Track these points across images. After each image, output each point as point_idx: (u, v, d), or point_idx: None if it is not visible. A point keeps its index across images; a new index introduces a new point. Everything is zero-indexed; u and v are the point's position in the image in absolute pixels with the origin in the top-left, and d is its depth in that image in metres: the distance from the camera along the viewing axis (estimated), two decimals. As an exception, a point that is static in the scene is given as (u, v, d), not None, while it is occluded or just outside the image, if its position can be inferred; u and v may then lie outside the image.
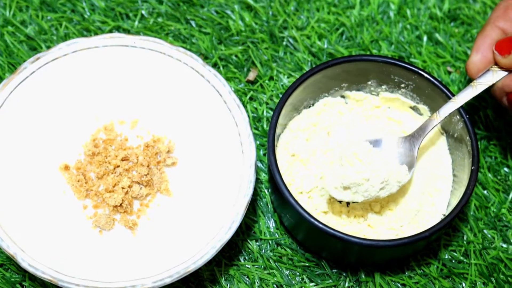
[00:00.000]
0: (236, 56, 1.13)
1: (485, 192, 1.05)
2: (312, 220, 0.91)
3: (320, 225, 0.91)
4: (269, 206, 1.03)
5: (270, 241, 1.01)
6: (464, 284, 1.00)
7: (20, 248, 0.90)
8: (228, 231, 0.92)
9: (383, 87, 1.05)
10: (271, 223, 1.02)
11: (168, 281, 0.90)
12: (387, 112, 1.07)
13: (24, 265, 0.89)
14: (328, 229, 0.91)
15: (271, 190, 1.02)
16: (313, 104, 1.04)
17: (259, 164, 1.06)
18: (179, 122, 1.04)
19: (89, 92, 1.04)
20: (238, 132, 0.97)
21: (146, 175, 1.00)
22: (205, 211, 0.97)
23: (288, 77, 1.11)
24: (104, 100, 1.05)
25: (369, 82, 1.04)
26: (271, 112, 1.08)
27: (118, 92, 1.05)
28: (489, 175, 1.05)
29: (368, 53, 1.14)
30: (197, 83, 1.01)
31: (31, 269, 0.89)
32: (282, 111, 0.97)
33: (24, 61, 1.10)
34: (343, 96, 1.06)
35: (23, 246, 0.90)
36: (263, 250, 1.01)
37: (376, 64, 1.01)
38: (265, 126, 1.07)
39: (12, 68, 1.10)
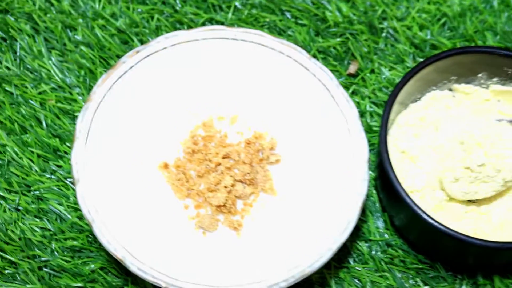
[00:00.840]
0: (334, 48, 1.08)
1: None
2: (430, 220, 0.86)
3: (440, 226, 0.86)
4: (377, 206, 0.98)
5: (380, 242, 0.97)
6: None
7: (128, 251, 0.85)
8: (344, 232, 0.88)
9: (494, 79, 0.99)
10: (380, 223, 0.98)
11: (283, 285, 0.85)
12: (497, 105, 1.02)
13: (133, 269, 0.85)
14: (449, 231, 0.86)
15: (380, 188, 0.97)
16: (420, 98, 0.99)
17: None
18: (281, 118, 1.00)
19: (187, 87, 1.00)
20: (347, 128, 0.93)
21: (248, 173, 0.96)
22: (314, 211, 0.93)
23: (389, 70, 1.06)
24: (202, 95, 1.01)
25: (479, 75, 0.99)
26: (374, 107, 1.04)
27: (217, 87, 1.01)
28: None
29: (472, 44, 1.09)
30: (302, 77, 0.96)
31: (140, 273, 0.85)
32: (393, 106, 0.92)
33: (116, 55, 1.07)
34: (450, 89, 1.01)
35: (131, 249, 0.86)
36: (374, 252, 0.97)
37: (490, 56, 0.96)
38: (368, 120, 1.02)
39: (104, 62, 1.07)
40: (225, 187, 0.95)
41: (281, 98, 0.99)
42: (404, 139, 0.97)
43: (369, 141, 1.02)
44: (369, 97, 1.06)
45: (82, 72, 1.05)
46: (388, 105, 0.92)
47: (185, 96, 1.00)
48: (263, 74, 0.99)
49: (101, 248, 0.96)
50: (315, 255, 0.87)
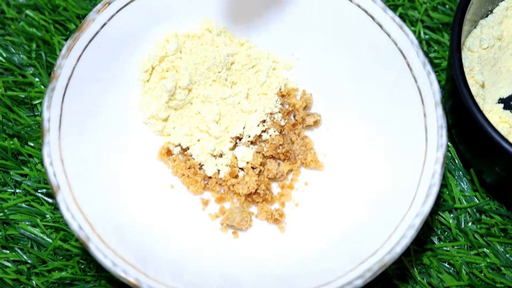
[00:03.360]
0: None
1: None
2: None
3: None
4: (457, 162, 0.92)
5: (469, 209, 0.92)
6: None
7: (142, 271, 0.80)
8: (426, 201, 0.82)
9: None
10: (465, 185, 0.93)
11: (359, 284, 0.79)
12: None
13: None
14: None
15: (460, 137, 0.91)
16: (491, 11, 0.93)
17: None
18: (316, 65, 0.95)
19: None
20: (406, 63, 0.87)
21: (281, 145, 0.91)
22: (377, 182, 0.88)
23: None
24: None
25: None
26: (430, 33, 1.00)
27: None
28: None
29: None
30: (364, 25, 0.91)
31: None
32: (463, 23, 0.87)
33: (77, 15, 1.02)
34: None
35: (144, 269, 0.81)
36: (462, 223, 0.91)
37: None
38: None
39: (61, 28, 1.02)
40: (253, 168, 0.90)
41: (312, 35, 0.94)
42: (479, 69, 0.92)
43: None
44: (422, 21, 1.01)
45: (34, 46, 1.00)
46: (456, 23, 0.86)
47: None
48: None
49: (101, 275, 0.90)
50: (393, 238, 0.81)
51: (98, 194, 0.83)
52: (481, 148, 0.87)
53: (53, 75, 0.84)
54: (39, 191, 0.93)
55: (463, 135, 0.90)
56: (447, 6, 1.00)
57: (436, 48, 0.99)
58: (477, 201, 0.92)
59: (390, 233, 0.81)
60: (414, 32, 0.96)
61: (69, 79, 0.86)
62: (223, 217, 0.89)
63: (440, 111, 0.83)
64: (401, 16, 0.97)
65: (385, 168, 0.87)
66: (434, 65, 0.96)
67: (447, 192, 0.92)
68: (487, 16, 0.94)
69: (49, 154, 0.81)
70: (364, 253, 0.81)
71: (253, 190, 0.88)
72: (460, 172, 0.93)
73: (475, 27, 0.93)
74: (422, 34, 1.00)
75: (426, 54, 0.86)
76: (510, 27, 0.95)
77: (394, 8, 1.00)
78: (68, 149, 0.83)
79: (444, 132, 0.83)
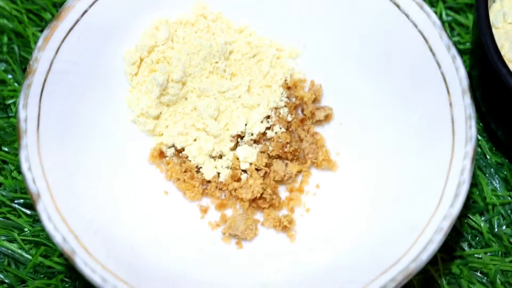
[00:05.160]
0: None
1: None
2: None
3: None
4: (488, 158, 0.95)
5: (503, 211, 0.93)
6: None
7: None
8: (455, 202, 0.82)
9: None
10: (497, 183, 0.94)
11: None
12: None
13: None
14: None
15: (496, 121, 0.92)
16: None
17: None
18: (326, 54, 0.96)
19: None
20: (428, 47, 0.88)
21: (288, 143, 0.91)
22: (398, 182, 0.88)
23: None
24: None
25: None
26: (454, 14, 1.01)
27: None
28: None
29: None
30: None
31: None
32: None
33: (53, 3, 1.03)
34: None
35: (139, 285, 0.81)
36: (496, 227, 0.93)
37: None
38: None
39: (35, 18, 1.03)
40: (257, 169, 0.90)
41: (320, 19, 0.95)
42: (508, 45, 0.92)
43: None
44: (444, 1, 1.02)
45: (5, 39, 1.01)
46: None
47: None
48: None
49: (88, 294, 0.90)
50: (418, 244, 0.81)
51: (84, 202, 0.84)
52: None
53: (28, 69, 0.85)
54: (15, 201, 0.94)
55: (504, 120, 0.90)
56: None
57: (458, 31, 1.00)
58: (512, 199, 0.92)
59: (415, 239, 0.81)
60: (435, 13, 0.96)
61: (47, 74, 0.86)
62: (225, 225, 0.89)
63: (468, 99, 0.84)
64: None
65: (407, 166, 0.87)
66: (458, 50, 0.96)
67: (477, 192, 0.93)
68: None
69: (26, 159, 0.82)
70: (386, 262, 0.81)
71: (258, 195, 0.89)
72: (492, 169, 0.94)
73: (494, 1, 0.94)
74: (444, 16, 1.01)
75: (450, 37, 0.86)
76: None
77: None
78: (48, 153, 0.84)
79: (473, 123, 0.83)
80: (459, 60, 0.85)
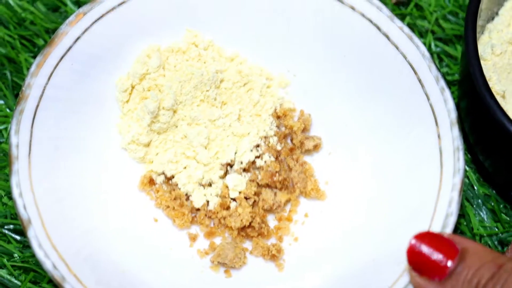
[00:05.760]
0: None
1: None
2: None
3: None
4: (476, 188, 0.95)
5: (490, 242, 0.93)
6: None
7: None
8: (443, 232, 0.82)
9: None
10: (484, 214, 0.94)
11: None
12: None
13: None
14: None
15: (483, 153, 0.92)
16: (497, 13, 0.95)
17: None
18: (311, 85, 0.96)
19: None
20: (417, 79, 0.89)
21: (277, 172, 0.91)
22: (386, 213, 0.89)
23: (451, -12, 1.04)
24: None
25: None
26: (442, 45, 1.01)
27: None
28: None
29: None
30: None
31: None
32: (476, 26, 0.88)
33: (46, 29, 1.03)
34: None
35: None
36: None
37: None
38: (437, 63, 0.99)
39: (28, 44, 1.02)
40: (246, 198, 0.90)
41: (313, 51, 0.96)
42: (496, 77, 0.92)
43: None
44: (433, 32, 1.02)
45: None
46: (470, 27, 0.86)
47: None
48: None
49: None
50: (405, 276, 0.81)
51: (74, 229, 0.84)
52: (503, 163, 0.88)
53: (21, 95, 0.85)
54: (5, 227, 0.93)
55: (491, 151, 0.90)
56: (459, 16, 1.01)
57: (447, 62, 1.00)
58: (498, 230, 0.93)
59: (403, 269, 0.81)
60: (424, 44, 0.97)
61: (39, 100, 0.86)
62: (213, 254, 0.89)
63: (456, 131, 0.84)
64: (409, 26, 0.98)
65: (395, 198, 0.88)
66: (446, 82, 0.96)
67: (465, 223, 0.93)
68: (493, 19, 0.95)
69: (18, 185, 0.82)
70: (374, 291, 0.81)
71: (247, 223, 0.89)
72: (479, 200, 0.94)
73: (482, 33, 0.94)
74: (433, 47, 1.01)
75: (438, 68, 0.87)
76: (520, 29, 0.95)
77: (401, 17, 1.02)
78: (39, 179, 0.84)
79: (461, 155, 0.84)
80: (447, 92, 0.85)
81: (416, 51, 0.88)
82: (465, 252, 0.71)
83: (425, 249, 0.72)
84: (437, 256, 0.72)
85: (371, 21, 0.90)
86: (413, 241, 0.73)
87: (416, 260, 0.73)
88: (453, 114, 0.84)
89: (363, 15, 0.91)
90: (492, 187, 0.96)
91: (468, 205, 0.95)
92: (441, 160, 0.84)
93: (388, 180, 0.89)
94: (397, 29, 0.89)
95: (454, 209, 0.81)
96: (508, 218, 0.94)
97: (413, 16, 1.04)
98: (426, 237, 0.73)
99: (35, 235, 0.80)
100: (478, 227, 0.94)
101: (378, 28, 0.89)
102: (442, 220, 0.81)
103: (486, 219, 0.95)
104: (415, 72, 0.88)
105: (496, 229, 0.94)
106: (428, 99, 0.87)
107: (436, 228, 0.81)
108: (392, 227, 0.86)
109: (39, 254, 0.79)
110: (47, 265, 0.79)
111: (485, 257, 0.71)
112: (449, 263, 0.71)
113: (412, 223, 0.84)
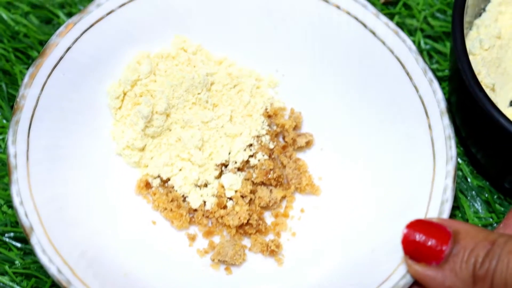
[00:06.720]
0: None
1: None
2: None
3: None
4: (470, 181, 0.96)
5: None
6: None
7: None
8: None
9: None
10: (479, 206, 0.95)
11: None
12: None
13: None
14: None
15: (475, 145, 0.93)
16: (484, 9, 0.96)
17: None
18: (306, 81, 0.97)
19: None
20: (405, 73, 0.90)
21: (271, 170, 0.92)
22: (383, 203, 0.89)
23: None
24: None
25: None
26: (431, 42, 1.02)
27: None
28: None
29: None
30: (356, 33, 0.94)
31: None
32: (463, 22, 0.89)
33: (39, 41, 1.03)
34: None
35: None
36: None
37: None
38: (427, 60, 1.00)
39: (22, 56, 1.03)
40: (243, 196, 0.91)
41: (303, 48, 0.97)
42: (485, 71, 0.93)
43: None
44: (422, 30, 1.03)
45: None
46: (457, 23, 0.87)
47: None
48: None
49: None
50: (403, 266, 0.82)
51: (75, 234, 0.85)
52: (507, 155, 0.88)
53: (16, 106, 0.86)
54: (6, 235, 0.93)
55: (483, 143, 0.91)
56: (447, 13, 1.02)
57: (437, 58, 1.01)
58: (492, 221, 0.94)
59: (399, 262, 0.82)
60: (413, 42, 0.97)
61: (34, 110, 0.87)
62: (213, 252, 0.89)
63: (446, 120, 0.85)
64: (398, 25, 0.98)
65: (389, 188, 0.89)
66: (436, 78, 0.97)
67: (460, 215, 0.94)
68: (480, 15, 0.96)
69: (18, 193, 0.83)
70: (374, 281, 0.82)
71: (245, 221, 0.89)
72: (473, 192, 0.95)
73: (470, 29, 0.95)
74: (422, 44, 1.01)
75: (425, 61, 0.88)
76: (507, 24, 0.96)
77: (390, 17, 1.02)
78: (39, 186, 0.84)
79: (453, 144, 0.85)
80: (436, 83, 0.86)
81: (403, 44, 0.89)
82: (458, 234, 0.73)
83: (418, 236, 0.74)
84: (431, 241, 0.73)
85: (357, 19, 0.91)
86: (406, 231, 0.74)
87: (411, 249, 0.74)
88: (443, 104, 0.85)
89: (348, 13, 0.91)
90: (486, 179, 0.96)
91: (463, 197, 0.95)
92: (433, 149, 0.85)
93: (382, 172, 0.90)
94: (383, 24, 0.90)
95: (449, 196, 0.82)
96: (502, 209, 0.95)
97: (402, 15, 1.04)
98: (417, 225, 0.75)
99: (38, 241, 0.80)
100: (473, 218, 0.94)
101: (364, 25, 0.91)
102: (438, 207, 0.82)
103: (480, 210, 0.95)
104: (403, 66, 0.89)
105: (491, 220, 0.95)
106: (417, 91, 0.88)
107: (432, 215, 0.82)
108: (389, 216, 0.87)
109: (44, 260, 0.80)
110: (52, 270, 0.80)
111: (478, 236, 0.73)
112: (444, 247, 0.72)
113: (408, 211, 0.84)
